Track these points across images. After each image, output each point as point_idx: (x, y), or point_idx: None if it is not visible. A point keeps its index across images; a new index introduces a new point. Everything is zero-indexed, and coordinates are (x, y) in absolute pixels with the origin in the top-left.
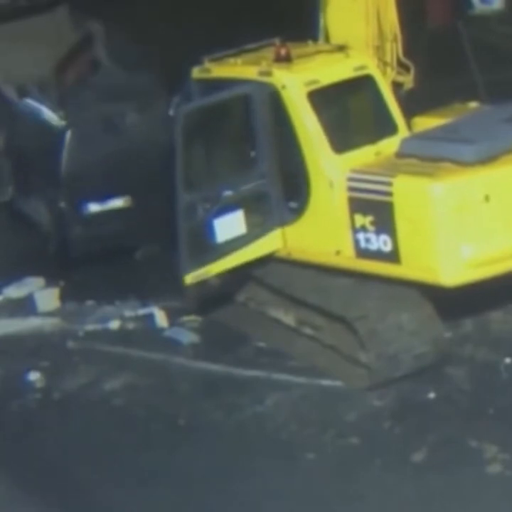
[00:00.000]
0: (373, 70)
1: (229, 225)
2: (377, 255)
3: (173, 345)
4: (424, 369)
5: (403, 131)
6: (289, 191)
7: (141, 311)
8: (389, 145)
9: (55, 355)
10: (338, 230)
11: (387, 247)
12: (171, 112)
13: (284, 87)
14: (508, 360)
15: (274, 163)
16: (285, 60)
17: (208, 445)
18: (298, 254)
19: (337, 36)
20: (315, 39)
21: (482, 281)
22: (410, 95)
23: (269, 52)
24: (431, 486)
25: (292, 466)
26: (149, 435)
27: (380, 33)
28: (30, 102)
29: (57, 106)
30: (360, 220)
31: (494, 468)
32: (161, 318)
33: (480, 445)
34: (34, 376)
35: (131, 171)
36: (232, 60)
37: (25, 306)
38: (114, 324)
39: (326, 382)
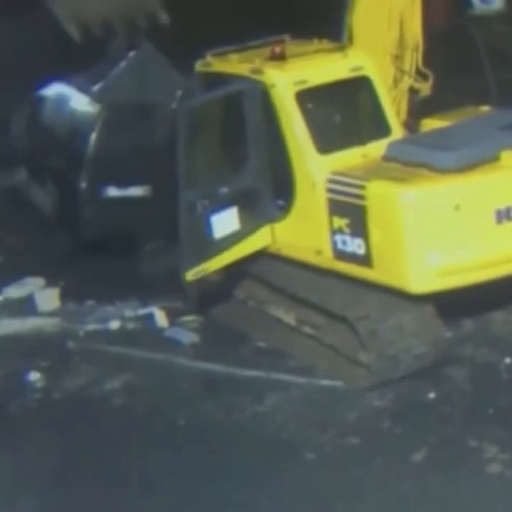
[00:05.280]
0: (371, 70)
1: (225, 222)
2: (352, 258)
3: (173, 345)
4: (424, 369)
5: (396, 134)
6: (277, 189)
7: (141, 311)
8: (380, 147)
9: (55, 355)
10: (319, 230)
11: (361, 251)
12: (174, 106)
13: (273, 85)
14: (508, 360)
15: (264, 161)
16: (279, 58)
17: (208, 445)
18: (286, 251)
19: (360, 40)
20: (335, 38)
21: (482, 282)
22: (423, 101)
23: (268, 50)
24: (431, 485)
25: (292, 466)
26: (149, 435)
27: (402, 42)
28: (60, 86)
29: (91, 87)
30: (337, 221)
31: (494, 468)
32: (161, 318)
33: (480, 445)
34: (34, 376)
35: (156, 162)
36: (230, 56)
37: (26, 306)
38: (114, 324)
39: (326, 382)
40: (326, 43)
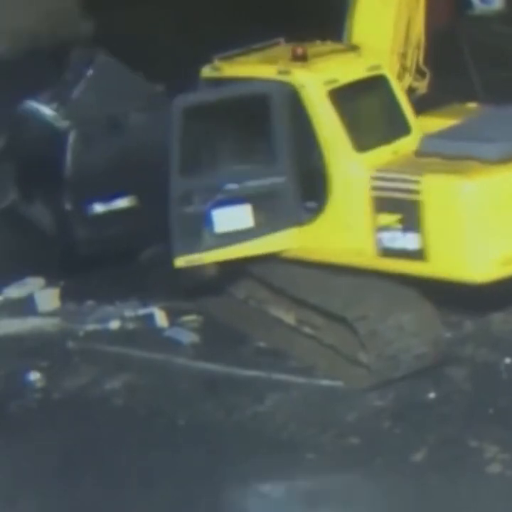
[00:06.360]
0: (386, 70)
1: (232, 218)
2: (402, 253)
3: (173, 345)
4: (424, 369)
5: (417, 131)
6: (306, 191)
7: (141, 311)
8: (404, 145)
9: (55, 355)
10: (359, 229)
11: (414, 245)
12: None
13: (303, 86)
14: (508, 360)
15: (292, 162)
16: (302, 59)
17: (208, 445)
18: (314, 255)
19: (361, 39)
20: (333, 39)
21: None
22: (421, 99)
23: (282, 51)
24: (431, 485)
25: (292, 466)
26: (149, 435)
27: (406, 40)
28: (32, 103)
29: (58, 105)
30: (384, 218)
31: (494, 469)
32: (161, 318)
33: (480, 445)
34: (34, 376)
35: (136, 171)
36: (244, 59)
37: (26, 306)
38: (114, 324)
39: (325, 382)
40: (333, 44)
